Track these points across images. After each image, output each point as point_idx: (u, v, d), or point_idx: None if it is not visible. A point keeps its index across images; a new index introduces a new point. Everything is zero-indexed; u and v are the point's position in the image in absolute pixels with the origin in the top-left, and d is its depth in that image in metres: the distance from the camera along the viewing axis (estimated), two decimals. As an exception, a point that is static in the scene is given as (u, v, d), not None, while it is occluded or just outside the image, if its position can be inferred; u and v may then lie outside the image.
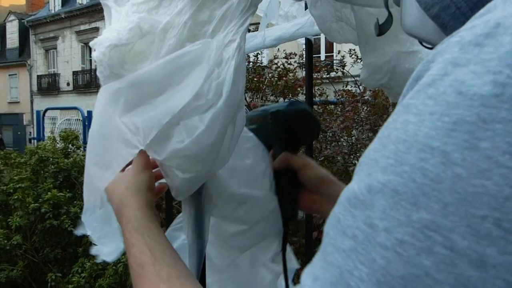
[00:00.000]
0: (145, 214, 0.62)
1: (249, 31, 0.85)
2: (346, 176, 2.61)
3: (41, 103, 21.09)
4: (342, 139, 2.77)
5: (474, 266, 0.21)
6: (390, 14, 0.57)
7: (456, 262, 0.22)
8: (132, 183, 0.66)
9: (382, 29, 0.59)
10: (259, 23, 1.29)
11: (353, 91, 3.04)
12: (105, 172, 0.74)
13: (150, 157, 0.72)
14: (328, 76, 3.71)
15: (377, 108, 2.69)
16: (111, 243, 0.81)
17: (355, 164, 2.76)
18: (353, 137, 2.87)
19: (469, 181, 0.22)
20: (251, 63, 3.62)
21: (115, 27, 0.63)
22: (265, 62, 3.84)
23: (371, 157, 0.28)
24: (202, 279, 0.74)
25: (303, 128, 0.83)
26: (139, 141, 0.66)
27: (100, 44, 0.62)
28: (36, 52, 24.64)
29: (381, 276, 0.24)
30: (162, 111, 0.66)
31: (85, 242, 3.64)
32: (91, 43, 0.65)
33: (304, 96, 3.68)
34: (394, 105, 2.69)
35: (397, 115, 0.28)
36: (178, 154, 0.67)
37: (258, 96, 3.42)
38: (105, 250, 0.82)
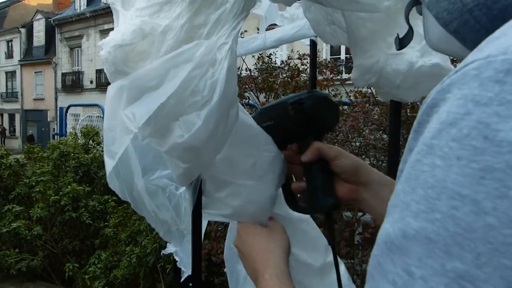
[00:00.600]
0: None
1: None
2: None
3: (65, 100, 21.61)
4: (352, 139, 2.79)
5: None
6: (410, 28, 0.55)
7: None
8: (277, 246, 0.72)
9: (402, 43, 0.58)
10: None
11: (365, 92, 3.07)
12: (113, 161, 0.82)
13: None
14: (339, 77, 3.73)
15: (387, 108, 2.71)
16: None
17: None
18: (361, 138, 2.89)
19: (500, 231, 0.22)
20: (264, 64, 3.69)
21: (120, 29, 0.71)
22: (278, 63, 3.90)
23: (401, 199, 0.28)
24: (197, 268, 0.81)
25: (328, 115, 0.79)
26: (134, 126, 0.74)
27: (106, 44, 0.70)
28: (61, 50, 25.25)
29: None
30: (155, 101, 0.73)
31: (102, 234, 3.77)
32: (99, 43, 0.73)
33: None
34: (405, 106, 2.70)
35: (421, 154, 0.27)
36: (178, 147, 0.74)
37: (270, 95, 3.47)
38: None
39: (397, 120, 1.09)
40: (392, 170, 1.10)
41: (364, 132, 2.70)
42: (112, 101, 0.78)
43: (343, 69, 4.92)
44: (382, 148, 2.57)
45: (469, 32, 0.35)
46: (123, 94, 0.74)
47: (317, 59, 3.97)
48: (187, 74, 0.66)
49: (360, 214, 2.39)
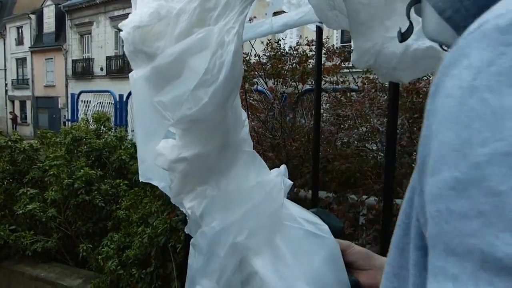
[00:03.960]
0: None
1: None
2: (359, 158, 2.70)
3: (75, 87, 21.80)
4: (359, 125, 2.85)
5: None
6: (411, 23, 0.60)
7: None
8: None
9: (404, 36, 0.66)
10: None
11: (372, 79, 3.10)
12: (151, 141, 0.90)
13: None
14: (347, 65, 3.76)
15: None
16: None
17: (366, 148, 2.84)
18: (368, 124, 2.94)
19: None
20: (273, 50, 3.73)
21: (138, 12, 0.78)
22: (287, 49, 3.93)
23: (453, 144, 0.28)
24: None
25: (333, 222, 0.90)
26: (169, 116, 0.82)
27: (126, 25, 0.77)
28: (72, 37, 25.39)
29: None
30: (181, 91, 0.81)
31: (114, 217, 3.88)
32: (119, 25, 0.80)
33: (324, 83, 3.76)
34: (408, 90, 2.74)
35: (459, 99, 0.28)
36: (186, 118, 0.81)
37: (279, 82, 3.53)
38: None
39: (395, 100, 1.15)
40: (390, 147, 1.16)
41: (370, 118, 2.75)
42: (140, 91, 0.86)
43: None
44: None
45: (461, 20, 0.36)
46: (149, 85, 0.82)
47: (327, 45, 4.01)
48: (203, 60, 0.74)
49: (364, 197, 2.45)
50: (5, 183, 4.85)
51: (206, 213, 0.96)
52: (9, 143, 4.89)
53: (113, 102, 6.76)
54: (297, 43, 3.82)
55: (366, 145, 2.72)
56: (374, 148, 2.68)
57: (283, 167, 1.09)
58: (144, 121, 0.89)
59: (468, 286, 0.25)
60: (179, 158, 0.92)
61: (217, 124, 0.89)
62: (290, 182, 1.07)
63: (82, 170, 4.33)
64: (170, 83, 0.79)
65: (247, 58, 3.52)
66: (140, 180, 1.09)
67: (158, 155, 0.93)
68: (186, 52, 0.77)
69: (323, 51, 3.92)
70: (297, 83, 3.48)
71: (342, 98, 3.42)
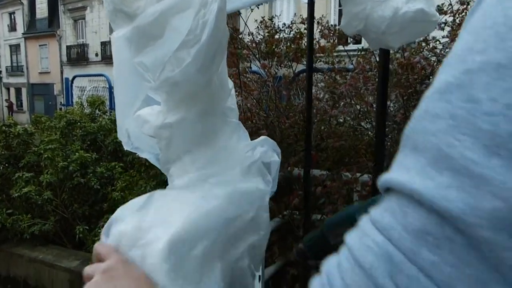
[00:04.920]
0: None
1: None
2: (353, 136, 2.70)
3: (70, 73, 21.57)
4: (353, 103, 2.83)
5: None
6: None
7: None
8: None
9: None
10: None
11: (368, 58, 3.08)
12: (134, 101, 0.88)
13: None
14: (344, 48, 3.73)
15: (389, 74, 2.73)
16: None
17: (360, 126, 2.84)
18: (362, 102, 2.93)
19: None
20: (267, 28, 3.68)
21: (117, -29, 0.76)
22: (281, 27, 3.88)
23: (459, 50, 0.28)
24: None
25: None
26: (150, 77, 0.80)
27: (104, -15, 0.75)
28: (65, 22, 25.07)
29: (489, 139, 0.25)
30: (163, 52, 0.79)
31: (109, 198, 3.88)
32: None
33: (318, 61, 3.73)
34: (402, 66, 2.71)
35: (489, 7, 0.28)
36: (169, 81, 0.80)
37: (273, 60, 3.49)
38: None
39: (385, 68, 1.13)
40: (379, 117, 1.16)
41: (365, 97, 2.74)
42: (121, 52, 0.84)
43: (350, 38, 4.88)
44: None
45: None
46: (130, 45, 0.80)
47: (322, 23, 3.96)
48: (185, 20, 0.72)
49: (358, 174, 2.45)
50: (1, 167, 4.84)
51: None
52: (4, 128, 4.86)
53: (107, 86, 6.71)
54: (291, 21, 3.78)
55: (361, 123, 2.72)
56: (369, 126, 2.67)
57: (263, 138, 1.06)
58: (124, 83, 0.88)
59: (414, 178, 0.27)
60: (164, 124, 0.91)
61: (201, 88, 0.88)
62: (276, 159, 1.06)
63: (77, 154, 4.32)
64: (152, 44, 0.77)
65: (241, 37, 3.48)
66: (125, 149, 1.09)
67: (144, 122, 0.92)
68: (168, 11, 0.76)
69: (318, 29, 3.88)
70: (291, 62, 3.45)
71: (337, 77, 3.40)
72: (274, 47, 3.36)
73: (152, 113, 0.92)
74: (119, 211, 0.68)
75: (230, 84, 1.00)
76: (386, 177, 0.30)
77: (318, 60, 3.80)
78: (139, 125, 0.91)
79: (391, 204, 0.29)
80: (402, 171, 0.29)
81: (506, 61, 0.25)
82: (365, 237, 0.30)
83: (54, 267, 4.00)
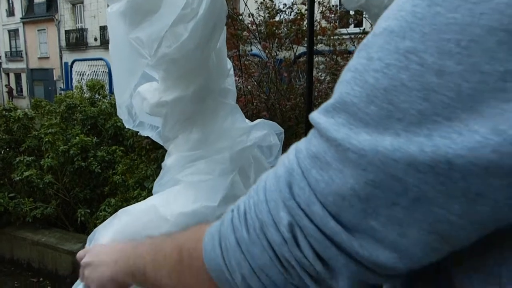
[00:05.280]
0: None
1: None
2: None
3: (69, 59, 21.41)
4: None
5: (435, 74, 0.28)
6: None
7: (424, 74, 0.29)
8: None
9: None
10: None
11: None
12: (131, 77, 0.87)
13: None
14: (346, 31, 3.68)
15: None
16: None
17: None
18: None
19: (444, 15, 0.28)
20: (268, 9, 3.63)
21: None
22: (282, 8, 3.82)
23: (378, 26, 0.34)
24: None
25: None
26: (147, 53, 0.79)
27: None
28: (63, 6, 24.78)
29: (370, 91, 0.31)
30: (159, 27, 0.77)
31: (110, 182, 3.90)
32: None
33: (319, 43, 3.69)
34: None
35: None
36: (166, 57, 0.79)
37: (273, 42, 3.46)
38: None
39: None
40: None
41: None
42: (116, 27, 0.82)
43: (351, 21, 4.82)
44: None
45: None
46: (125, 20, 0.78)
47: (323, 3, 3.90)
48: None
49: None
50: (1, 152, 4.85)
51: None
52: (4, 112, 4.85)
53: (107, 70, 6.67)
54: (292, 1, 3.72)
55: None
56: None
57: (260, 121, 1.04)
58: (121, 60, 0.87)
59: (321, 116, 0.36)
60: (161, 102, 0.90)
61: (198, 66, 0.87)
62: (277, 143, 1.05)
63: (77, 137, 4.32)
64: (147, 18, 0.76)
65: (241, 18, 3.44)
66: (126, 127, 1.08)
67: (142, 99, 0.91)
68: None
69: (319, 10, 3.83)
70: (292, 44, 3.41)
71: (338, 59, 3.37)
72: (274, 28, 3.32)
73: (149, 90, 0.91)
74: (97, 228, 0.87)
75: (229, 64, 0.98)
76: (313, 113, 0.37)
77: (319, 42, 3.76)
78: (139, 101, 0.91)
79: (309, 133, 0.38)
80: (319, 110, 0.36)
81: (397, 28, 0.31)
82: (286, 154, 0.40)
83: (57, 250, 4.04)
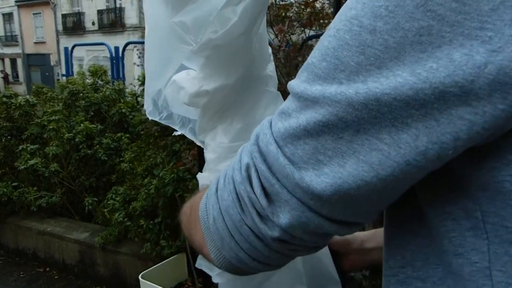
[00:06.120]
0: None
1: None
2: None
3: (67, 43, 21.16)
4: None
5: (369, 33, 0.35)
6: None
7: (361, 33, 0.36)
8: None
9: None
10: None
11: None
12: (168, 65, 0.80)
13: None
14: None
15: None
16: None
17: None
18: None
19: None
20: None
21: None
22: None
23: None
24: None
25: None
26: (191, 39, 0.72)
27: None
28: (59, -10, 24.36)
29: (324, 51, 0.38)
30: (206, 10, 0.70)
31: (118, 170, 3.84)
32: None
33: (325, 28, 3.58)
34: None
35: None
36: (211, 43, 0.72)
37: (284, 24, 3.35)
38: None
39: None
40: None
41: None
42: (156, 9, 0.75)
43: None
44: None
45: None
46: (168, 2, 0.71)
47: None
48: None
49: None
50: (3, 140, 4.77)
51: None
52: (4, 99, 4.76)
53: (108, 56, 6.54)
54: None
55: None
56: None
57: None
58: (159, 47, 0.79)
59: (294, 80, 0.42)
60: (201, 91, 0.84)
61: (241, 52, 0.80)
62: None
63: (82, 125, 4.24)
64: (193, 1, 0.69)
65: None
66: (150, 119, 1.02)
67: (179, 88, 0.84)
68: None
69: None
70: (304, 27, 3.31)
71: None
72: (285, 11, 3.22)
73: (187, 78, 0.84)
74: None
75: (269, 49, 0.92)
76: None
77: (327, 26, 3.67)
78: (175, 91, 0.84)
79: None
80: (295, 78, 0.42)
81: (348, 3, 0.38)
82: (263, 122, 0.45)
83: (64, 239, 4.00)
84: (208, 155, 0.88)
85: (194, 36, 0.69)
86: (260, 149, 0.42)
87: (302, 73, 0.41)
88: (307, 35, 3.43)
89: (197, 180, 0.92)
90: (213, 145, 0.89)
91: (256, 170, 0.42)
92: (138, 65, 7.92)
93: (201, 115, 0.87)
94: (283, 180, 0.40)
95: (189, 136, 1.03)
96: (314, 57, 0.39)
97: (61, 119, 4.43)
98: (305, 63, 0.41)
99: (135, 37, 18.72)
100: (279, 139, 0.40)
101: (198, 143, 1.01)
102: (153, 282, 2.52)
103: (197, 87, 0.82)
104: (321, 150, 0.38)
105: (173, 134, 1.09)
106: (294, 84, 0.41)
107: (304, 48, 3.59)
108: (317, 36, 3.40)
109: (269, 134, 0.41)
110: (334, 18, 0.40)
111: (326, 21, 3.18)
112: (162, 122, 1.03)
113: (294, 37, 3.55)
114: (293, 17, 3.31)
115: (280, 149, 0.40)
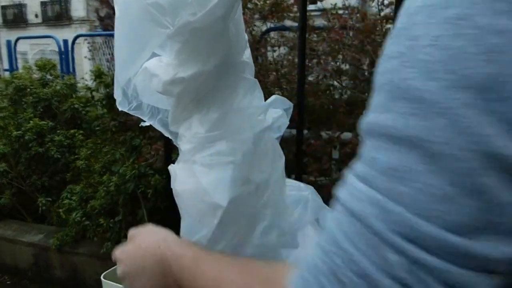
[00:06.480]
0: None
1: None
2: (330, 96, 2.66)
3: (8, 37, 19.96)
4: (328, 62, 2.77)
5: (496, 35, 0.27)
6: None
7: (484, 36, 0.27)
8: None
9: None
10: None
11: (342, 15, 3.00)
12: (142, 52, 0.75)
13: None
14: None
15: (364, 30, 2.67)
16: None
17: (339, 84, 2.80)
18: (338, 61, 2.87)
19: None
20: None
21: None
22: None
23: (405, 2, 0.34)
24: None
25: None
26: (168, 21, 0.68)
27: None
28: (-2, -20, 22.89)
29: (426, 67, 0.29)
30: None
31: (73, 168, 3.67)
32: None
33: (285, 19, 3.60)
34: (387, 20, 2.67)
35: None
36: (188, 27, 0.69)
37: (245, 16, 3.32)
38: None
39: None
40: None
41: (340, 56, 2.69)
42: None
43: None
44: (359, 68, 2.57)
45: None
46: None
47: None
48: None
49: (338, 133, 2.44)
50: None
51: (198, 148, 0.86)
52: None
53: (56, 49, 6.22)
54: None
55: (335, 81, 2.67)
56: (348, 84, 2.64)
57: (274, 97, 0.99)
58: (130, 32, 0.75)
59: (377, 114, 0.32)
60: (176, 79, 0.80)
61: (219, 37, 0.77)
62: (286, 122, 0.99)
63: (31, 122, 4.01)
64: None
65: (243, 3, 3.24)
66: (120, 110, 0.97)
67: (151, 76, 0.80)
68: None
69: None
70: (265, 20, 3.29)
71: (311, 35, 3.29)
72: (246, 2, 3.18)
73: (160, 66, 0.80)
74: None
75: (246, 35, 0.89)
76: (361, 122, 0.34)
77: (285, 19, 3.67)
78: (147, 79, 0.80)
79: (362, 148, 0.33)
80: (370, 112, 0.33)
81: (436, 1, 0.30)
82: (350, 187, 0.33)
83: (16, 243, 3.78)
84: (183, 146, 0.85)
85: (171, 18, 0.66)
86: (406, 236, 0.29)
87: (394, 103, 0.31)
88: (267, 28, 3.42)
89: (168, 172, 0.88)
90: (188, 135, 0.86)
91: (425, 266, 0.29)
92: (89, 59, 7.60)
93: (175, 104, 0.83)
94: (463, 260, 0.29)
95: (158, 127, 0.99)
96: (409, 78, 0.31)
97: (7, 116, 4.17)
98: (391, 88, 0.32)
99: (83, 30, 17.94)
100: (423, 211, 0.29)
101: (167, 135, 0.97)
102: (115, 282, 2.44)
103: (171, 74, 0.79)
104: (488, 207, 0.29)
105: (140, 125, 1.04)
106: (389, 122, 0.30)
107: (263, 40, 3.59)
108: (277, 29, 3.40)
109: (400, 211, 0.30)
110: (405, 24, 0.32)
111: (287, 14, 3.19)
112: (131, 112, 0.98)
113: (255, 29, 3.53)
114: (256, 8, 3.28)
115: (437, 225, 0.29)
